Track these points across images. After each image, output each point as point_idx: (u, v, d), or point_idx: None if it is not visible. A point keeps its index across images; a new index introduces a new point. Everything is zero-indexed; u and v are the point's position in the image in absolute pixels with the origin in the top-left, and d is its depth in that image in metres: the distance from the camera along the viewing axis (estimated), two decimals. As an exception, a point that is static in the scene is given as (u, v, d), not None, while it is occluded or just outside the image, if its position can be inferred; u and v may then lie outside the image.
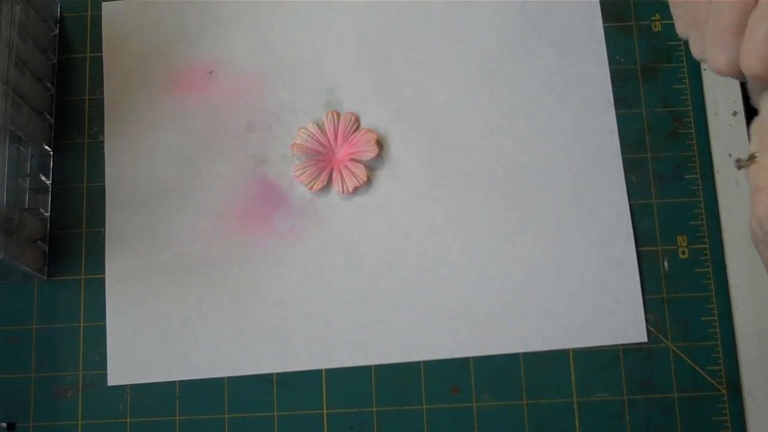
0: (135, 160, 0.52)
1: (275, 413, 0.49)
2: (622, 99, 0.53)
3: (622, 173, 0.51)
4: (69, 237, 0.51)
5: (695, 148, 0.52)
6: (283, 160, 0.52)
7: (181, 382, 0.49)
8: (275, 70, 0.54)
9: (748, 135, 0.52)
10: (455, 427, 0.48)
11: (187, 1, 0.55)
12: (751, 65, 0.33)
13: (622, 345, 0.49)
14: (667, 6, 0.54)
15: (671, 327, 0.49)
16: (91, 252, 0.51)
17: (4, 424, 0.49)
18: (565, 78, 0.53)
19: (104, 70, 0.54)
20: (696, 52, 0.37)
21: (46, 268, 0.51)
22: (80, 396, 0.49)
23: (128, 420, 0.49)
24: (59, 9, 0.55)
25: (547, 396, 0.48)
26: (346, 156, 0.51)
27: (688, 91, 0.53)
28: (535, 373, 0.49)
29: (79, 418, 0.49)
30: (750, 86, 0.36)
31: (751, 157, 0.35)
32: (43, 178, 0.52)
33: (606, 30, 0.54)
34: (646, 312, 0.49)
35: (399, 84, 0.53)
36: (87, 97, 0.54)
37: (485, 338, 0.49)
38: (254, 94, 0.53)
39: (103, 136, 0.53)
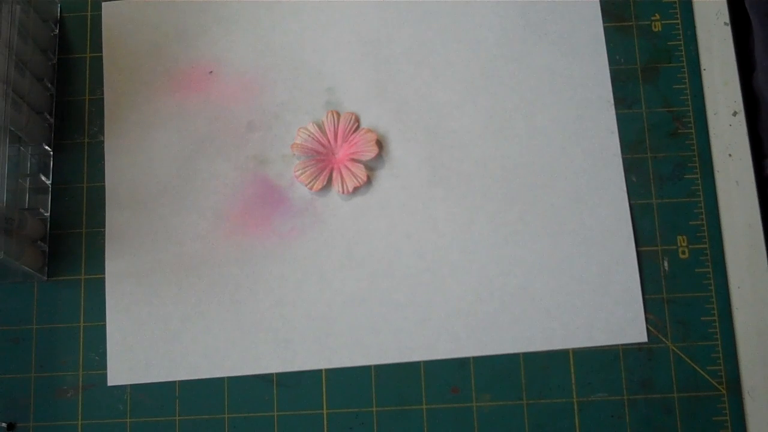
0: (135, 160, 0.52)
1: (275, 413, 0.49)
2: (622, 99, 0.53)
3: (622, 173, 0.51)
4: (69, 237, 0.51)
5: (695, 148, 0.52)
6: (283, 160, 0.52)
7: (181, 382, 0.49)
8: (275, 70, 0.54)
9: (748, 135, 0.52)
10: (455, 427, 0.48)
11: (187, 1, 0.55)
12: None
13: (622, 345, 0.49)
14: (667, 6, 0.54)
15: (671, 327, 0.49)
16: (91, 252, 0.51)
17: (4, 424, 0.49)
18: (565, 78, 0.53)
19: (104, 70, 0.54)
20: None
21: (46, 268, 0.51)
22: (80, 396, 0.49)
23: (128, 420, 0.49)
24: (59, 9, 0.55)
25: (547, 396, 0.48)
26: (346, 156, 0.51)
27: (688, 91, 0.53)
28: (535, 373, 0.49)
29: (79, 418, 0.49)
30: None
31: None
32: (43, 178, 0.52)
33: (606, 30, 0.54)
34: (646, 312, 0.49)
35: (399, 84, 0.53)
36: (87, 97, 0.54)
37: (485, 338, 0.49)
38: (254, 94, 0.53)
39: (103, 136, 0.53)
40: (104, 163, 0.52)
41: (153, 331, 0.50)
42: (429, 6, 0.54)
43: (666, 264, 0.50)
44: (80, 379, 0.49)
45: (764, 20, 0.52)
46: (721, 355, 0.49)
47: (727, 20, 0.54)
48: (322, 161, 0.52)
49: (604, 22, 0.54)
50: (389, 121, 0.52)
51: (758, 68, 0.52)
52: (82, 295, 0.51)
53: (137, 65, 0.54)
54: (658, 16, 0.54)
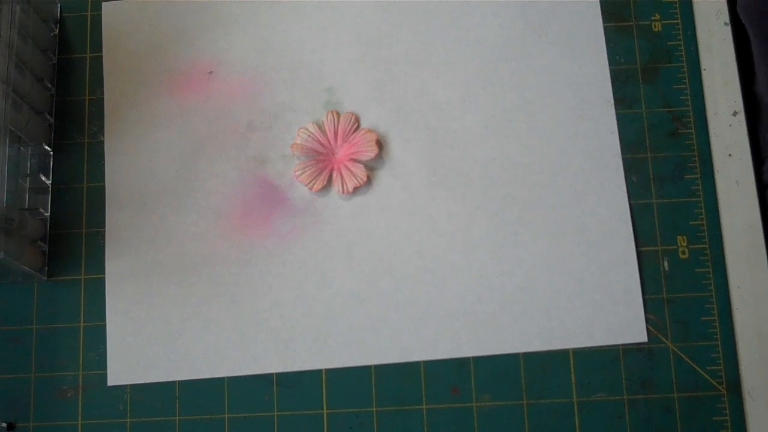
0: (135, 160, 0.52)
1: (275, 413, 0.49)
2: (622, 99, 0.53)
3: (622, 173, 0.51)
4: (69, 237, 0.51)
5: (695, 148, 0.52)
6: (283, 160, 0.52)
7: (181, 382, 0.49)
8: (275, 70, 0.54)
9: (748, 136, 0.52)
10: (455, 427, 0.48)
11: (187, 1, 0.55)
12: None
13: (622, 345, 0.49)
14: (667, 6, 0.54)
15: (671, 327, 0.49)
16: (91, 252, 0.51)
17: (4, 424, 0.49)
18: (565, 78, 0.53)
19: (104, 70, 0.54)
20: None
21: (46, 268, 0.51)
22: (80, 396, 0.49)
23: (128, 420, 0.49)
24: (59, 9, 0.55)
25: (547, 396, 0.48)
26: (346, 156, 0.51)
27: (688, 91, 0.53)
28: (535, 373, 0.49)
29: (79, 418, 0.49)
30: None
31: None
32: (43, 178, 0.52)
33: (606, 30, 0.54)
34: (646, 312, 0.49)
35: (399, 84, 0.53)
36: (87, 97, 0.54)
37: (485, 338, 0.49)
38: (254, 94, 0.53)
39: (103, 136, 0.53)
40: (104, 163, 0.52)
41: (153, 331, 0.50)
42: (429, 6, 0.54)
43: (666, 264, 0.50)
44: (80, 379, 0.49)
45: (756, 28, 0.52)
46: (721, 355, 0.49)
47: (727, 20, 0.54)
48: (322, 161, 0.52)
49: (604, 22, 0.54)
50: (389, 121, 0.52)
51: (758, 75, 0.52)
52: (82, 295, 0.51)
53: (137, 65, 0.54)
54: (658, 16, 0.54)
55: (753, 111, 0.53)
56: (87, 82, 0.54)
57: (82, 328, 0.50)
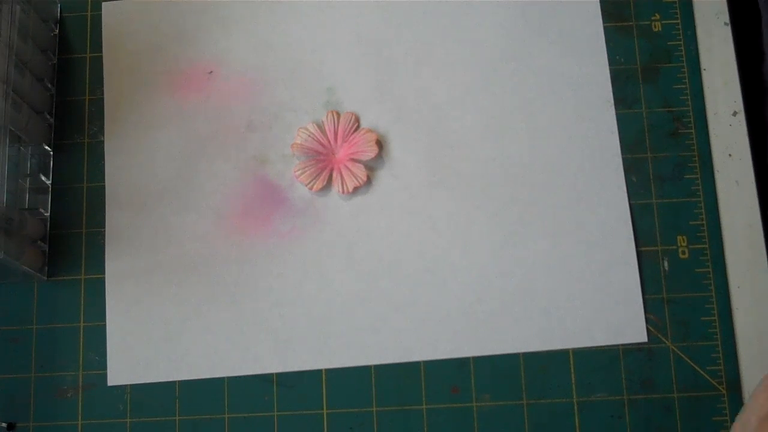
0: (135, 160, 0.52)
1: (275, 413, 0.49)
2: (622, 99, 0.53)
3: (622, 173, 0.51)
4: (69, 237, 0.51)
5: (695, 148, 0.52)
6: (283, 160, 0.52)
7: (181, 382, 0.49)
8: (275, 70, 0.54)
9: (748, 136, 0.52)
10: (455, 427, 0.48)
11: (187, 1, 0.55)
12: None
13: (622, 345, 0.49)
14: (667, 6, 0.54)
15: (671, 327, 0.49)
16: (91, 252, 0.51)
17: (4, 424, 0.49)
18: (565, 78, 0.53)
19: (104, 70, 0.54)
20: None
21: (46, 268, 0.51)
22: (80, 396, 0.49)
23: (128, 420, 0.49)
24: (59, 9, 0.55)
25: (547, 396, 0.48)
26: (346, 156, 0.51)
27: (688, 91, 0.53)
28: (535, 373, 0.49)
29: (79, 418, 0.49)
30: None
31: None
32: (43, 178, 0.52)
33: (606, 30, 0.54)
34: (646, 312, 0.49)
35: (399, 84, 0.53)
36: (87, 97, 0.54)
37: (485, 338, 0.49)
38: (254, 94, 0.53)
39: (103, 136, 0.53)
40: (104, 163, 0.52)
41: (153, 331, 0.50)
42: (429, 6, 0.54)
43: (666, 264, 0.50)
44: (80, 379, 0.49)
45: None
46: (721, 355, 0.49)
47: (727, 20, 0.54)
48: (322, 161, 0.52)
49: (604, 22, 0.54)
50: (389, 121, 0.52)
51: (767, 55, 0.52)
52: (82, 295, 0.51)
53: (137, 65, 0.54)
54: (658, 16, 0.54)
55: (752, 103, 0.53)
56: (87, 82, 0.54)
57: (82, 328, 0.50)
